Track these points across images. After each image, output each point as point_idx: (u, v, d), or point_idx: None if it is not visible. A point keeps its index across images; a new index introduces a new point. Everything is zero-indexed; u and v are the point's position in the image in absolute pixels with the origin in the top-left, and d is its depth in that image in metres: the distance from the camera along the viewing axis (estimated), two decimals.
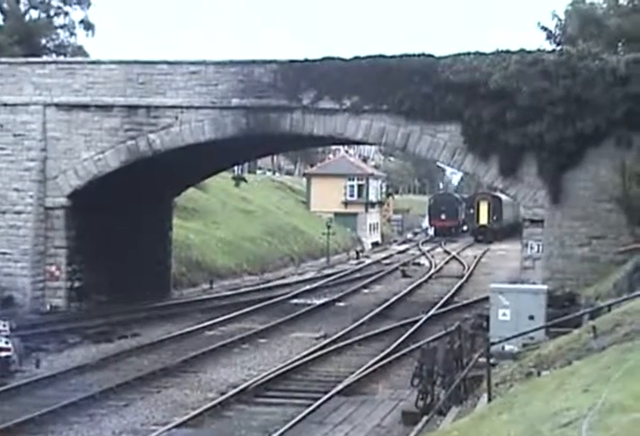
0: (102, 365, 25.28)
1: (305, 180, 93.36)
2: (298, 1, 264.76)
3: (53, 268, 34.15)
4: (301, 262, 61.04)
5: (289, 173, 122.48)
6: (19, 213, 34.03)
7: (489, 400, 14.21)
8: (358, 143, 48.38)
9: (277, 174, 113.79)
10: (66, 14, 62.21)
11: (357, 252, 71.23)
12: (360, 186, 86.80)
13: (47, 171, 34.39)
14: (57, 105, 34.45)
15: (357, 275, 53.08)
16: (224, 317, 33.63)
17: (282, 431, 18.23)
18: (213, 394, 22.16)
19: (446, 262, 63.54)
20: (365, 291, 45.51)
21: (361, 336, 29.77)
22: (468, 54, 32.40)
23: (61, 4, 62.06)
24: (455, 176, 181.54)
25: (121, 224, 36.22)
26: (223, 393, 21.87)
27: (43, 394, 21.80)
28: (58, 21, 62.36)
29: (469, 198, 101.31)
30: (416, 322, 31.96)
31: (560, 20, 49.23)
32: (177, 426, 18.72)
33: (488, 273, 54.68)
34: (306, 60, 33.53)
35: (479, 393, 16.75)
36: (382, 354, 26.13)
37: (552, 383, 11.42)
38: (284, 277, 52.93)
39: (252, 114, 33.37)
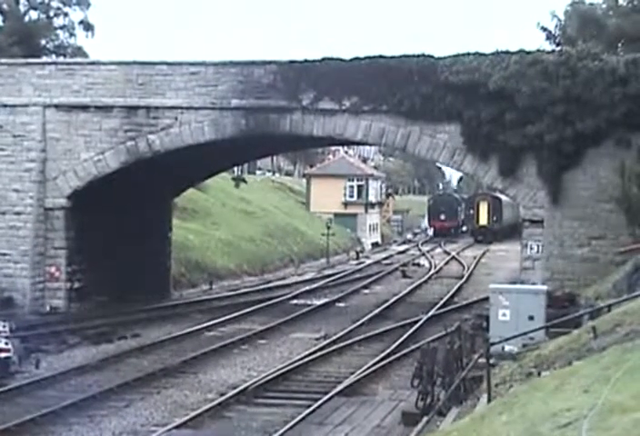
0: (102, 366, 25.28)
1: (304, 180, 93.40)
2: (298, 1, 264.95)
3: (52, 269, 34.14)
4: (301, 263, 61.02)
5: (289, 173, 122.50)
6: (19, 213, 34.03)
7: (489, 400, 14.21)
8: (358, 143, 48.38)
9: (277, 175, 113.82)
10: (66, 14, 62.25)
11: (357, 253, 71.23)
12: (360, 187, 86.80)
13: (47, 172, 34.38)
14: (57, 106, 34.44)
15: (357, 276, 53.07)
16: (223, 318, 33.62)
17: (282, 431, 18.23)
18: (213, 395, 22.16)
19: (446, 263, 63.53)
20: (365, 291, 45.51)
21: (361, 337, 29.76)
22: (468, 54, 32.39)
23: (60, 5, 62.09)
24: (454, 177, 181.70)
25: (121, 225, 36.21)
26: (222, 394, 21.87)
27: (43, 395, 21.79)
28: (58, 22, 62.43)
29: (469, 198, 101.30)
30: (416, 322, 31.96)
31: (560, 20, 49.32)
32: (177, 427, 18.72)
33: (488, 274, 54.70)
34: (306, 61, 33.53)
35: (479, 394, 16.74)
36: (382, 355, 26.13)
37: (552, 384, 11.41)
38: (283, 278, 52.92)
39: (251, 115, 33.37)
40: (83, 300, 34.76)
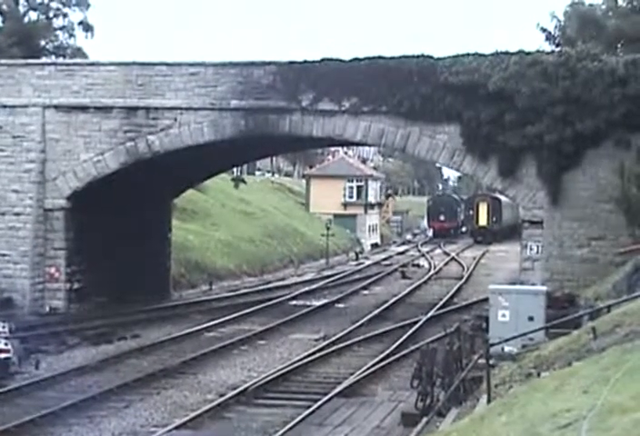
0: (101, 367, 25.28)
1: (304, 181, 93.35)
2: (298, 2, 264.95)
3: (52, 269, 34.13)
4: (300, 264, 61.02)
5: (288, 174, 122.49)
6: (18, 214, 34.02)
7: (489, 401, 14.20)
8: (357, 144, 48.41)
9: (276, 176, 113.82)
10: (65, 15, 62.28)
11: (357, 254, 71.22)
12: (359, 187, 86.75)
13: (46, 172, 34.38)
14: (56, 107, 34.43)
15: (357, 276, 53.08)
16: (223, 318, 33.62)
17: (281, 432, 18.24)
18: (212, 396, 22.16)
19: (446, 264, 63.53)
20: (365, 292, 45.51)
21: (360, 337, 29.76)
22: (467, 55, 32.39)
23: (60, 6, 62.11)
24: (453, 177, 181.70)
25: (120, 226, 36.20)
26: (222, 395, 21.88)
27: (42, 396, 21.79)
28: (57, 22, 62.46)
29: (468, 199, 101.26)
30: (416, 323, 31.96)
31: (559, 21, 49.35)
32: (177, 428, 18.73)
33: (487, 275, 54.72)
34: (305, 61, 33.54)
35: (479, 394, 16.74)
36: (381, 356, 26.13)
37: (551, 384, 11.41)
38: (283, 278, 52.91)
39: (251, 116, 33.37)
40: (82, 300, 34.75)
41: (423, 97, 32.11)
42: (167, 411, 20.83)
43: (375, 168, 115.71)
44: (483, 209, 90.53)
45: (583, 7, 49.64)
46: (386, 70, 32.51)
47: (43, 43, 60.71)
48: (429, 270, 57.83)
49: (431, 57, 32.71)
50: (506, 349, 20.06)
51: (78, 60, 47.43)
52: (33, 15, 62.25)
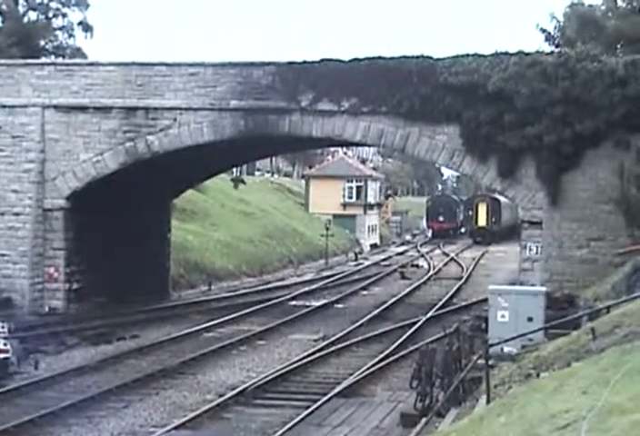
0: (100, 367, 25.28)
1: (303, 182, 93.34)
2: (297, 2, 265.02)
3: (51, 269, 34.12)
4: (300, 264, 61.00)
5: (288, 174, 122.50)
6: (18, 214, 34.01)
7: (488, 401, 14.19)
8: (357, 144, 48.40)
9: (276, 176, 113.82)
10: (65, 15, 62.26)
11: (356, 254, 71.19)
12: (359, 188, 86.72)
13: (46, 172, 34.37)
14: (56, 107, 34.42)
15: (356, 277, 53.07)
16: (222, 319, 33.62)
17: (280, 432, 18.24)
18: (211, 396, 22.17)
19: (445, 264, 63.53)
20: (364, 292, 45.51)
21: (360, 338, 29.76)
22: (467, 55, 32.38)
23: (59, 6, 62.09)
24: (453, 178, 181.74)
25: (120, 226, 36.19)
26: (221, 395, 21.88)
27: (41, 396, 21.79)
28: (57, 22, 62.43)
29: (468, 200, 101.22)
30: (415, 323, 31.96)
31: (559, 22, 49.33)
32: (176, 428, 18.73)
33: (487, 275, 54.71)
34: (305, 62, 33.53)
35: (478, 395, 16.74)
36: (380, 356, 26.13)
37: (551, 385, 11.41)
38: (282, 279, 52.90)
39: (250, 116, 33.36)
40: (82, 301, 34.74)
41: (422, 97, 32.10)
42: (166, 411, 20.83)
43: (374, 168, 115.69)
44: (482, 209, 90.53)
45: (582, 8, 49.62)
46: (386, 70, 32.50)
47: (42, 43, 60.68)
48: (428, 270, 57.81)
49: (430, 58, 32.71)
50: (506, 349, 20.07)
51: (78, 60, 47.43)
52: (32, 15, 62.27)
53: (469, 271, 56.62)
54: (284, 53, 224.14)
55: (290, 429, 18.51)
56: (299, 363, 25.35)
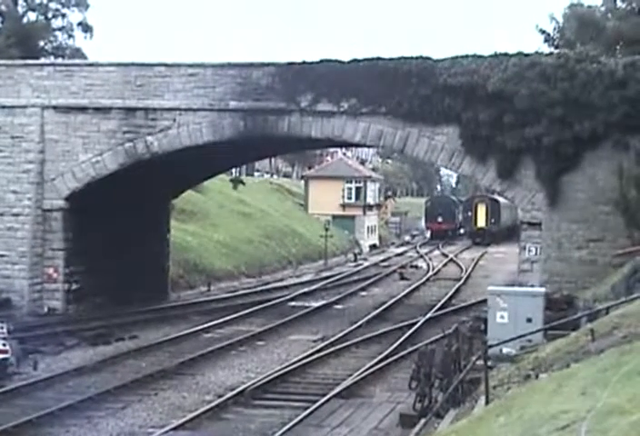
0: (99, 367, 25.27)
1: (302, 182, 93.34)
2: (297, 2, 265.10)
3: (50, 270, 34.12)
4: (299, 265, 61.00)
5: (287, 175, 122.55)
6: (17, 215, 34.02)
7: (487, 402, 14.19)
8: (356, 145, 48.39)
9: (275, 177, 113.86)
10: (64, 16, 62.32)
11: (355, 255, 71.18)
12: (358, 189, 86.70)
13: (45, 173, 34.37)
14: (55, 108, 34.43)
15: (355, 278, 53.07)
16: (221, 319, 33.61)
17: (280, 433, 18.23)
18: (210, 397, 22.15)
19: (444, 265, 63.52)
20: (363, 293, 45.50)
21: (359, 339, 29.75)
22: (466, 56, 32.40)
23: (59, 7, 62.14)
24: (452, 178, 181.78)
25: (119, 227, 36.19)
26: (220, 396, 21.86)
27: (40, 396, 21.77)
28: (56, 23, 62.48)
29: (467, 201, 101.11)
30: (414, 324, 31.96)
31: (558, 23, 49.38)
32: (175, 429, 18.72)
33: (486, 276, 54.69)
34: (304, 62, 33.54)
35: (477, 396, 16.73)
36: (379, 357, 26.12)
37: (550, 386, 11.40)
38: (281, 279, 52.90)
39: (250, 117, 33.37)
40: (81, 301, 34.75)
41: (422, 98, 32.12)
42: (165, 411, 20.82)
43: (373, 169, 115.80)
44: (481, 210, 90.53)
45: (582, 9, 49.64)
46: (385, 71, 32.52)
47: (42, 43, 60.70)
48: (427, 271, 57.81)
49: (430, 58, 32.73)
50: (505, 350, 20.07)
51: (77, 61, 47.37)
52: (32, 16, 62.34)
53: (468, 272, 56.62)
54: (284, 53, 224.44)
55: (289, 429, 18.51)
56: (298, 364, 25.34)
